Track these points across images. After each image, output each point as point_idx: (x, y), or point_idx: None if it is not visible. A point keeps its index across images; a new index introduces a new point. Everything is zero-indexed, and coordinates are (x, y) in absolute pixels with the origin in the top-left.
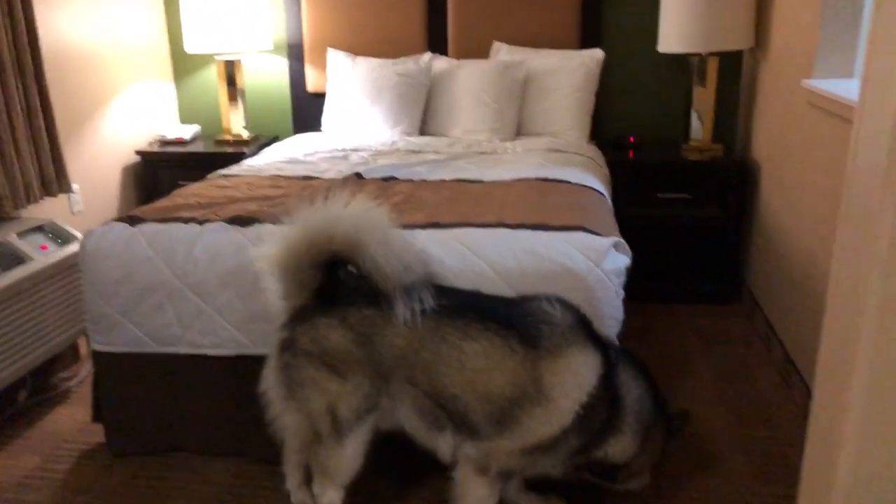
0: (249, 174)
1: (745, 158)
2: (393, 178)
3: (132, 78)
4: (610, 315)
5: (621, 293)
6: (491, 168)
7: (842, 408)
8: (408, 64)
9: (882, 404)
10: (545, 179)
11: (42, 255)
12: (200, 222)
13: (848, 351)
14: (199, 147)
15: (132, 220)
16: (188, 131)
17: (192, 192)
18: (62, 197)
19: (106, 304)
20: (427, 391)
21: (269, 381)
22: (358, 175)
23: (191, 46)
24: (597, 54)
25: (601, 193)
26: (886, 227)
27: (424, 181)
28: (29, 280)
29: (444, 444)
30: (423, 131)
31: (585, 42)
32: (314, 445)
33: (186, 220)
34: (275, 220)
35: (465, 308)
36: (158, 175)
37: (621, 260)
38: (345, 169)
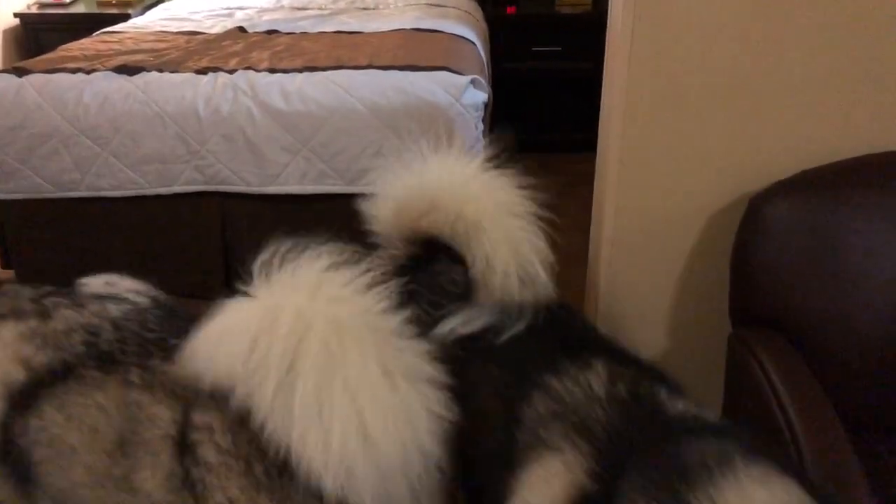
0: (133, 31)
1: None
2: (276, 31)
3: None
4: (470, 144)
5: (481, 126)
6: (371, 21)
7: (606, 177)
8: None
9: (630, 173)
10: (419, 30)
11: None
12: (87, 72)
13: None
14: (81, 9)
15: (19, 72)
16: None
17: (76, 46)
18: None
19: (2, 152)
20: None
21: None
22: (241, 29)
23: None
24: None
25: (472, 42)
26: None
27: (306, 33)
28: None
29: None
30: None
31: None
32: None
33: (73, 71)
34: (161, 69)
35: None
36: (40, 38)
37: (479, 96)
38: (229, 25)
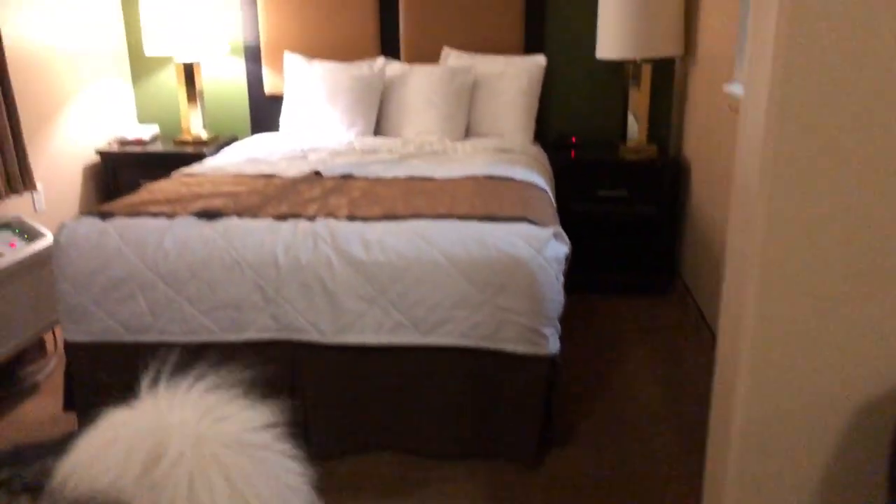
0: (212, 172)
1: (678, 158)
2: (350, 176)
3: (92, 78)
4: (551, 298)
5: (561, 279)
6: (442, 166)
7: (736, 358)
8: (362, 68)
9: (768, 355)
10: (492, 177)
11: (10, 252)
12: (169, 216)
13: (740, 308)
14: (158, 147)
15: (103, 215)
16: (147, 131)
17: (158, 188)
18: (26, 196)
19: (79, 294)
20: None
21: None
22: (317, 173)
23: (150, 49)
24: (540, 60)
25: (543, 189)
26: (763, 205)
27: (380, 178)
28: None
29: None
30: (377, 132)
31: (529, 48)
32: None
33: (155, 215)
34: (240, 214)
35: None
36: (119, 174)
37: (561, 249)
38: (304, 168)
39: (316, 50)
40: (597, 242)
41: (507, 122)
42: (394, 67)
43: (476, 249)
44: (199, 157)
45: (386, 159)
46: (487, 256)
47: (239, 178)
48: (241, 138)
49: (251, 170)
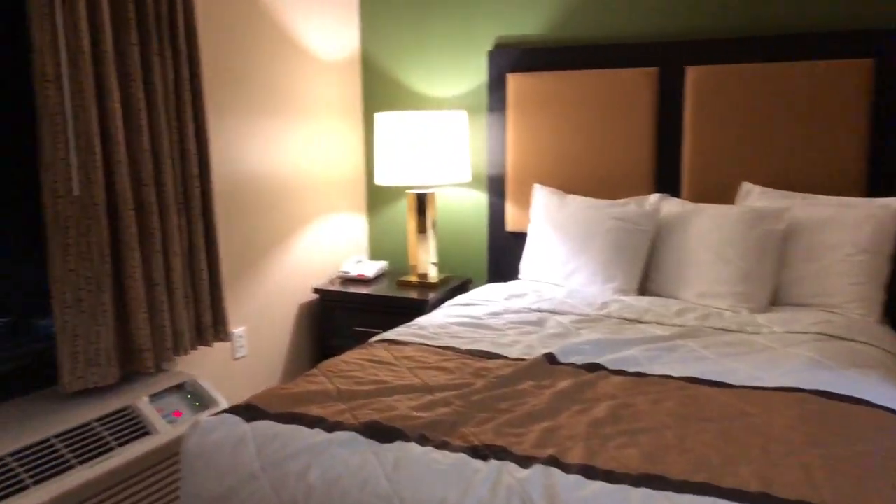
0: (417, 340)
1: None
2: (598, 367)
3: (319, 211)
4: None
5: None
6: (739, 359)
7: None
8: (628, 206)
9: None
10: (827, 394)
11: (169, 426)
12: (329, 428)
13: None
14: (379, 288)
15: (249, 413)
16: (372, 268)
17: (337, 369)
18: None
19: None
20: None
21: None
22: (550, 358)
23: (381, 178)
24: (893, 204)
25: None
26: None
27: (641, 375)
28: (147, 458)
29: None
30: (642, 290)
31: (876, 188)
32: None
33: (312, 423)
34: (424, 437)
35: None
36: (335, 315)
37: None
38: (535, 343)
39: (573, 183)
40: None
41: (838, 290)
42: (671, 206)
43: None
44: (419, 305)
45: (653, 337)
46: None
47: (446, 354)
48: (476, 283)
49: (466, 341)
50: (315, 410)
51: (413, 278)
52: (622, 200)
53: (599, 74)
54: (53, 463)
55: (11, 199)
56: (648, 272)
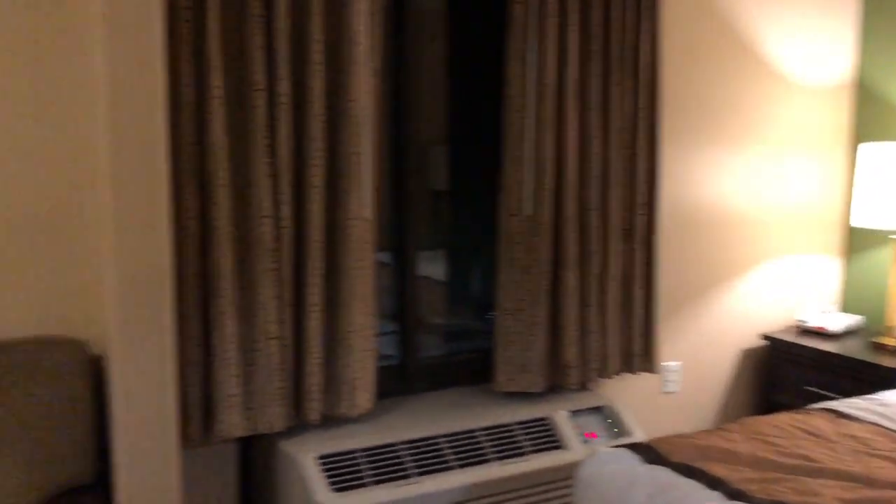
0: (873, 419)
1: None
2: None
3: (779, 250)
4: None
5: None
6: None
7: None
8: None
9: None
10: None
11: (582, 445)
12: (731, 495)
13: None
14: (846, 347)
15: (648, 454)
16: (840, 322)
17: (758, 430)
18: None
19: None
20: None
21: None
22: None
23: (859, 219)
24: None
25: None
26: None
27: None
28: (555, 471)
29: None
30: None
31: None
32: None
33: (713, 484)
34: None
35: None
36: (783, 368)
37: None
38: None
39: None
40: None
41: None
42: None
43: None
44: (890, 376)
45: None
46: None
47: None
48: None
49: None
50: (718, 470)
51: (891, 341)
52: None
53: None
54: (474, 453)
55: (475, 215)
56: None
